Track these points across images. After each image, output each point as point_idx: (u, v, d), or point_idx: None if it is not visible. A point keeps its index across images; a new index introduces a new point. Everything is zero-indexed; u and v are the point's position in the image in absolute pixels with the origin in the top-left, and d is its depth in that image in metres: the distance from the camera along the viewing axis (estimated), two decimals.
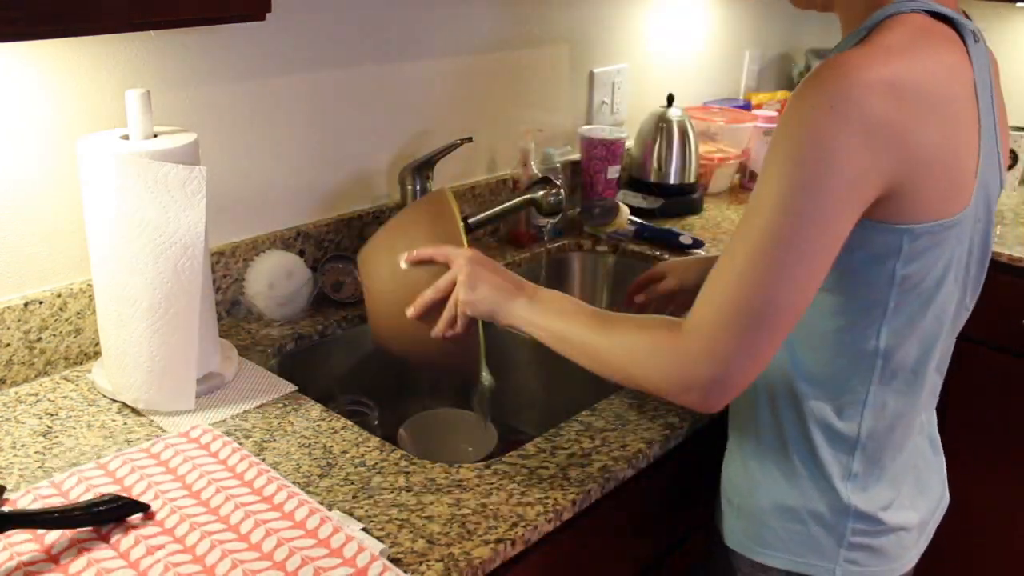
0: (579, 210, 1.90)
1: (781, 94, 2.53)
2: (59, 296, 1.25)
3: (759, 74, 2.57)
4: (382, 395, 1.49)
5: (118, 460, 1.04)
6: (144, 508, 0.95)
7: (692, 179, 2.06)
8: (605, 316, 1.00)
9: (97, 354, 1.29)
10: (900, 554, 1.06)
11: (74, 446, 1.09)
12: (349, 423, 1.16)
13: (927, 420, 1.11)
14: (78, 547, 0.90)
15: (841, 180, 0.83)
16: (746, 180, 2.27)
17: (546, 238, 1.79)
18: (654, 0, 2.12)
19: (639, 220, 1.88)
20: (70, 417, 1.15)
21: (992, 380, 1.99)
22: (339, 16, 1.49)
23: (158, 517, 0.95)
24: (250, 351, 1.34)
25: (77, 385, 1.23)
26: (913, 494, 1.07)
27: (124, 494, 0.96)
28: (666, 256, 1.80)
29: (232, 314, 1.45)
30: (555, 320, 1.01)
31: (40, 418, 1.15)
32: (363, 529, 0.95)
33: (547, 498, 1.03)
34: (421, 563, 0.91)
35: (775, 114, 2.28)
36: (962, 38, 0.92)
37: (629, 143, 2.07)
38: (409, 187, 1.60)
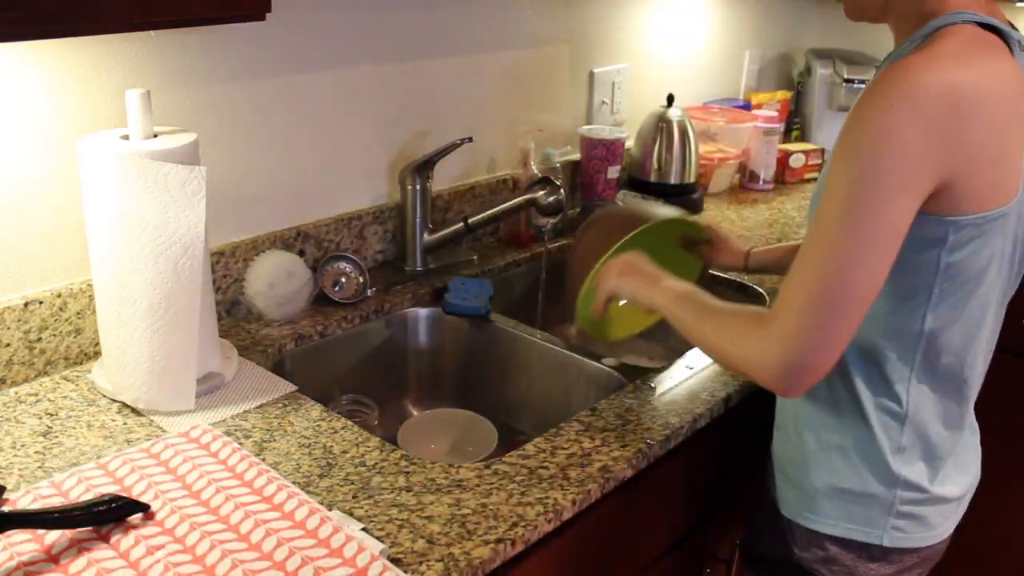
0: (579, 210, 1.90)
1: (781, 94, 2.53)
2: (59, 296, 1.25)
3: (759, 74, 2.57)
4: (382, 395, 1.49)
5: (118, 460, 1.04)
6: (144, 508, 0.95)
7: (692, 179, 2.06)
8: (709, 304, 1.09)
9: (97, 354, 1.29)
10: (940, 523, 1.13)
11: (74, 446, 1.09)
12: (349, 423, 1.16)
13: (970, 405, 1.17)
14: (78, 547, 0.90)
15: (900, 170, 0.90)
16: (746, 180, 2.27)
17: (546, 238, 1.79)
18: (654, 0, 2.12)
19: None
20: (70, 417, 1.15)
21: (992, 380, 1.99)
22: (339, 16, 1.49)
23: (158, 517, 0.95)
24: (250, 351, 1.34)
25: (77, 385, 1.23)
26: (956, 471, 1.14)
27: (124, 494, 0.96)
28: None
29: (232, 314, 1.45)
30: (674, 306, 1.12)
31: (40, 418, 1.15)
32: (363, 529, 0.95)
33: (547, 498, 1.03)
34: (421, 563, 0.91)
35: (775, 114, 2.28)
36: (1008, 46, 0.99)
37: (629, 143, 2.07)
38: (409, 187, 1.60)
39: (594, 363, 1.41)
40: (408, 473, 1.06)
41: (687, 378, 1.31)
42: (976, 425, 1.20)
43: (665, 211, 1.46)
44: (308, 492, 1.01)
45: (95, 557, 0.89)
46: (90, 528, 0.92)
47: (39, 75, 1.18)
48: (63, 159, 1.23)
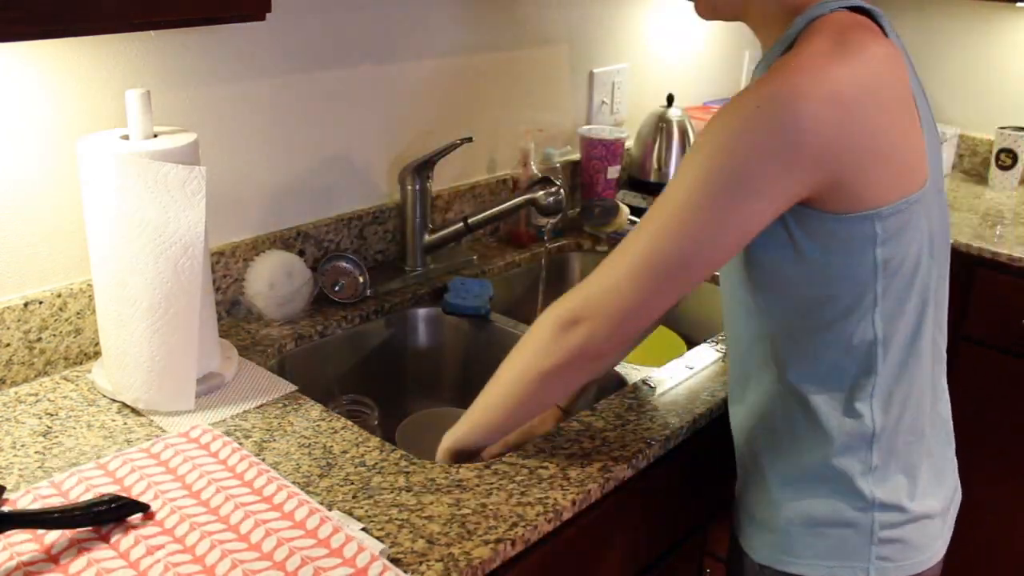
0: (579, 210, 1.90)
1: None
2: (59, 296, 1.25)
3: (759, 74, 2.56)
4: (382, 395, 1.49)
5: (118, 460, 1.04)
6: (144, 508, 0.95)
7: None
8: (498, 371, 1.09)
9: (97, 354, 1.29)
10: (927, 544, 1.07)
11: (74, 446, 1.09)
12: (349, 423, 1.16)
13: (939, 405, 1.11)
14: (78, 547, 0.90)
15: (755, 175, 0.89)
16: None
17: (546, 238, 1.79)
18: (654, 0, 2.12)
19: (639, 220, 1.88)
20: (70, 417, 1.15)
21: (992, 380, 1.99)
22: (339, 16, 1.49)
23: (158, 517, 0.95)
24: (250, 351, 1.34)
25: (77, 385, 1.23)
26: (931, 482, 1.08)
27: (124, 494, 0.96)
28: None
29: (232, 314, 1.45)
30: (476, 410, 1.10)
31: (40, 418, 1.15)
32: (363, 529, 0.95)
33: (547, 498, 1.03)
34: (421, 563, 0.91)
35: None
36: (881, 28, 0.95)
37: (629, 143, 2.07)
38: (409, 187, 1.60)
39: None
40: (408, 473, 1.06)
41: (687, 378, 1.31)
42: (952, 434, 1.14)
43: None
44: (308, 492, 1.01)
45: (95, 557, 0.89)
46: (90, 528, 0.92)
47: (39, 75, 1.18)
48: (63, 159, 1.23)
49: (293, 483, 1.02)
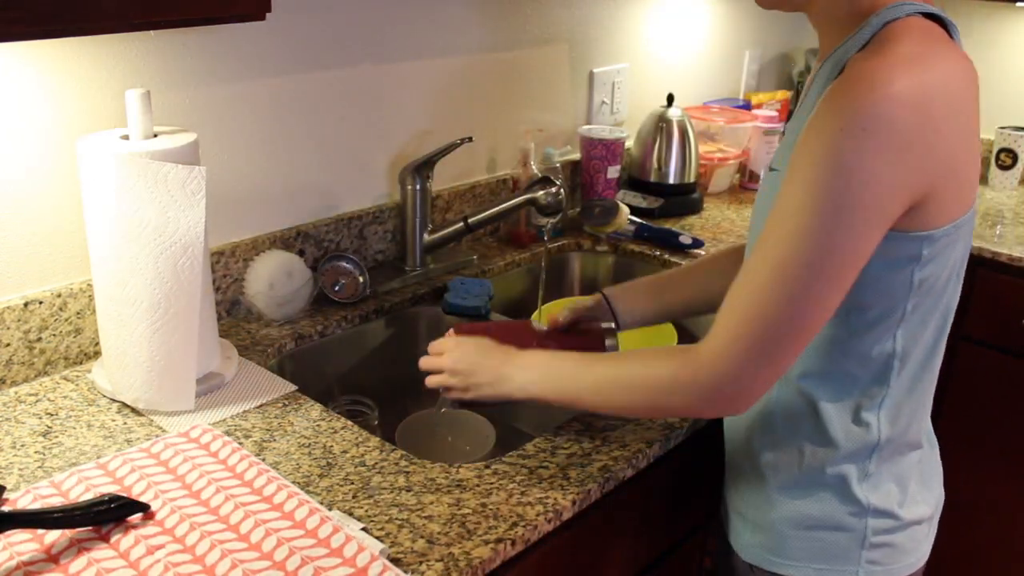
0: (579, 210, 1.90)
1: (781, 94, 2.53)
2: (59, 296, 1.25)
3: (759, 74, 2.56)
4: (382, 395, 1.49)
5: (118, 460, 1.04)
6: (144, 508, 0.95)
7: (692, 179, 2.06)
8: (605, 359, 1.03)
9: (97, 354, 1.29)
10: (915, 548, 1.07)
11: (74, 446, 1.09)
12: (349, 423, 1.16)
13: (928, 421, 1.11)
14: (78, 547, 0.90)
15: (870, 204, 0.84)
16: (746, 180, 2.27)
17: (546, 238, 1.79)
18: (654, 0, 2.12)
19: (639, 220, 1.88)
20: (70, 417, 1.15)
21: (992, 380, 1.99)
22: (339, 16, 1.49)
23: (158, 517, 0.95)
24: (250, 351, 1.34)
25: (77, 385, 1.23)
26: (921, 489, 1.08)
27: (124, 494, 0.96)
28: (666, 256, 1.80)
29: (232, 314, 1.45)
30: (558, 383, 1.04)
31: (40, 418, 1.15)
32: (363, 529, 0.95)
33: (547, 498, 1.03)
34: (421, 563, 0.91)
35: (775, 114, 2.28)
36: (950, 35, 0.92)
37: (629, 143, 2.07)
38: (409, 187, 1.60)
39: None
40: (408, 473, 1.06)
41: None
42: (935, 438, 1.14)
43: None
44: (308, 492, 1.01)
45: (95, 557, 0.89)
46: (90, 528, 0.92)
47: (38, 75, 1.18)
48: (63, 159, 1.23)
49: (293, 483, 1.02)
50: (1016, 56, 2.43)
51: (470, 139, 1.59)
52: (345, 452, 1.10)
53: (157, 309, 1.12)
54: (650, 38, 2.16)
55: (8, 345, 1.21)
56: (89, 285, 1.27)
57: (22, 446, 1.09)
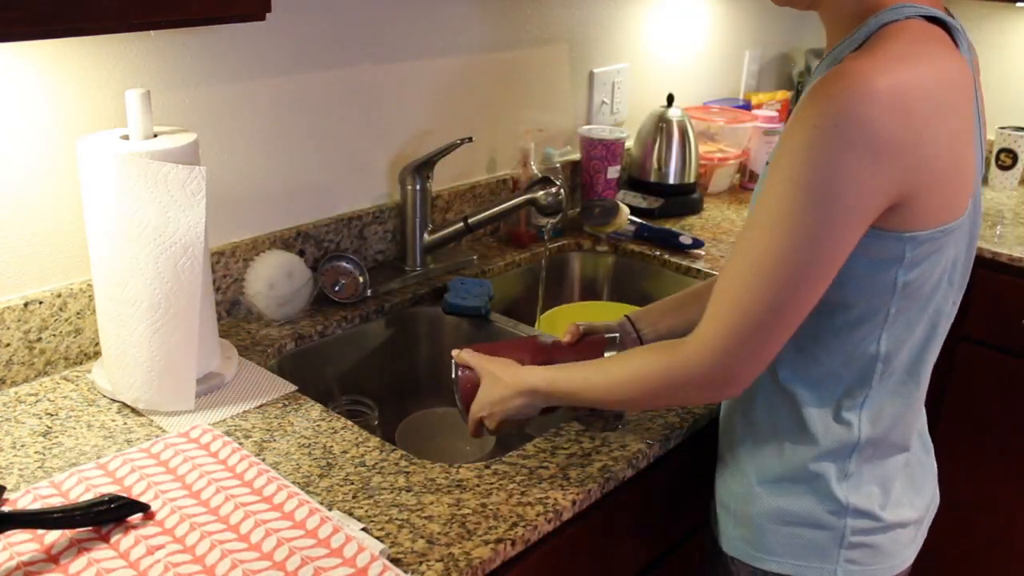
0: (579, 210, 1.90)
1: (781, 94, 2.53)
2: (59, 296, 1.25)
3: (759, 74, 2.57)
4: (382, 395, 1.49)
5: (118, 460, 1.04)
6: (144, 508, 0.95)
7: (692, 179, 2.06)
8: (605, 359, 1.09)
9: (97, 354, 1.29)
10: (898, 551, 1.07)
11: (74, 446, 1.09)
12: (349, 423, 1.16)
13: (921, 416, 1.11)
14: (78, 547, 0.90)
15: (847, 200, 0.84)
16: (746, 180, 2.27)
17: (546, 238, 1.79)
18: (654, 0, 2.12)
19: (639, 220, 1.88)
20: (70, 417, 1.15)
21: (992, 380, 1.99)
22: (338, 16, 1.49)
23: (158, 517, 0.95)
24: (250, 351, 1.34)
25: (77, 385, 1.23)
26: (907, 492, 1.07)
27: (124, 494, 0.96)
28: (666, 256, 1.80)
29: (232, 314, 1.45)
30: (566, 385, 1.08)
31: (40, 418, 1.15)
32: (363, 529, 0.95)
33: (547, 498, 1.03)
34: (421, 563, 0.91)
35: (775, 114, 2.28)
36: (954, 40, 0.92)
37: (629, 143, 2.07)
38: (409, 187, 1.60)
39: None
40: (408, 473, 1.06)
41: None
42: (930, 443, 1.14)
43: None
44: (308, 492, 1.01)
45: (95, 557, 0.89)
46: (90, 528, 0.92)
47: (38, 75, 1.18)
48: (63, 159, 1.23)
49: (293, 483, 1.02)
50: (1016, 56, 2.43)
51: (470, 139, 1.59)
52: (345, 452, 1.10)
53: (157, 309, 1.12)
54: (650, 38, 2.16)
55: (8, 345, 1.21)
56: (89, 285, 1.27)
57: (22, 446, 1.09)
